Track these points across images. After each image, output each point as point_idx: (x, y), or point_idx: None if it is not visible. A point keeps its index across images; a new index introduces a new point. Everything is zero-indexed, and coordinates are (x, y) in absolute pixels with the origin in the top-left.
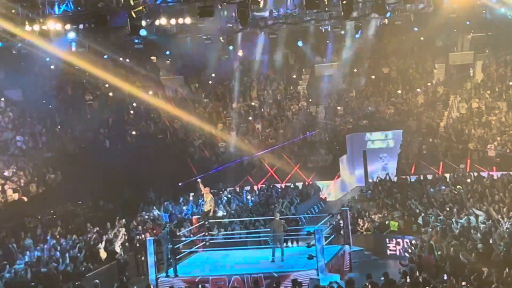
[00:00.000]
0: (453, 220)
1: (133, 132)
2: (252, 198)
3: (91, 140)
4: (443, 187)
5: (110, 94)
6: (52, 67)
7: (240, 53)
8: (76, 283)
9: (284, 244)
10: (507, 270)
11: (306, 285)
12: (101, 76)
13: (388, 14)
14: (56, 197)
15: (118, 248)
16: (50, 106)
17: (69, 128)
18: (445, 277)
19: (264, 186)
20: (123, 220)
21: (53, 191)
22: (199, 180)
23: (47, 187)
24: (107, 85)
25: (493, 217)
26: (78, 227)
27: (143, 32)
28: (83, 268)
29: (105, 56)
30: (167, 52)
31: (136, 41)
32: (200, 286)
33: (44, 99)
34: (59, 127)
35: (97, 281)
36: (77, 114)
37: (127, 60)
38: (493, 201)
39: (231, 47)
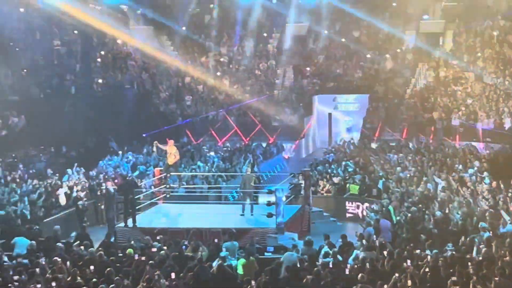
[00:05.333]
0: (413, 187)
1: (100, 81)
2: (215, 154)
3: (56, 86)
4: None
5: (79, 40)
6: (21, 9)
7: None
8: (34, 227)
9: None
10: (462, 238)
11: (264, 242)
12: (70, 21)
13: None
14: (18, 141)
15: (82, 194)
16: (17, 49)
17: (35, 73)
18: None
19: (227, 142)
20: (82, 168)
21: (16, 134)
22: (155, 142)
23: (9, 131)
24: (76, 32)
25: (452, 186)
26: (39, 172)
27: None
28: (41, 213)
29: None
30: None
31: None
32: (158, 237)
33: (10, 41)
34: (25, 70)
35: (57, 226)
36: (44, 59)
37: (98, 7)
38: (453, 170)
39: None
